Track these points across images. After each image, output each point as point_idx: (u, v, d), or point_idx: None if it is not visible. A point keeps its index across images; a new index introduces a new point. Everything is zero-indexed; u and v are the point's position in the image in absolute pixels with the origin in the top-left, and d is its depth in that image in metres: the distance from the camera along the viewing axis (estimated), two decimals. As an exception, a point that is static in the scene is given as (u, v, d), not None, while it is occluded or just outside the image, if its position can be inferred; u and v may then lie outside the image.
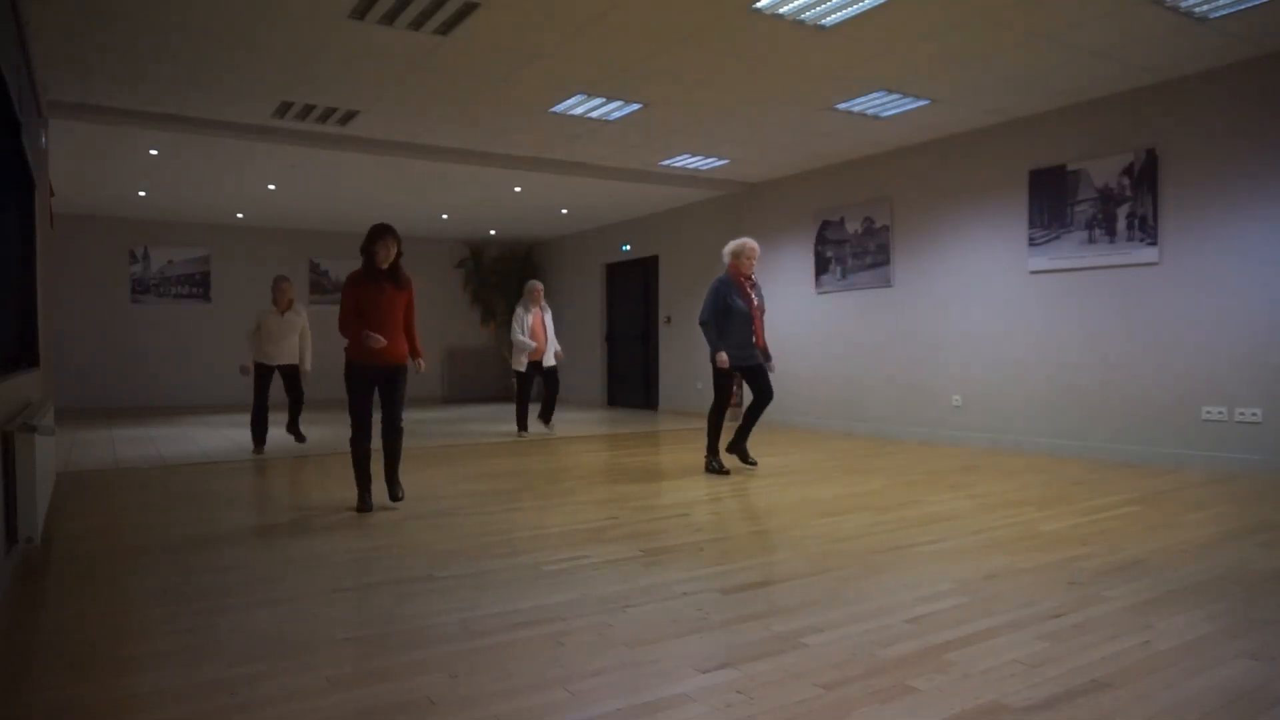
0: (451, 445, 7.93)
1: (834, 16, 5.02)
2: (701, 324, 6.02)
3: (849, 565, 3.51)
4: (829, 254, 9.09)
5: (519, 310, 8.76)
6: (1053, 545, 3.83)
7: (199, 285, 12.48)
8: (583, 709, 2.13)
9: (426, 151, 8.11)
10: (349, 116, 7.05)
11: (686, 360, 11.37)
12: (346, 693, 2.23)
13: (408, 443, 7.97)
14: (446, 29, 5.17)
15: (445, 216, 12.14)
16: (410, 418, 10.49)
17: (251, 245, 12.81)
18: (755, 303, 6.00)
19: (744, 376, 6.07)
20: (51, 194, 7.82)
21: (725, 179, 9.83)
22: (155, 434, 8.94)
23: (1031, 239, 7.12)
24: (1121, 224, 6.50)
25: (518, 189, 10.04)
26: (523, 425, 8.83)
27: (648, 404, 12.29)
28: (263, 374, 7.41)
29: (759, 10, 4.92)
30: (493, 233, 13.81)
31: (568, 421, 10.36)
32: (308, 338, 7.58)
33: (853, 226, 8.81)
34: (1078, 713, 2.08)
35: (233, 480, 5.91)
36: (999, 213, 7.40)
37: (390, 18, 5.00)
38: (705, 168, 9.19)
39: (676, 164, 9.01)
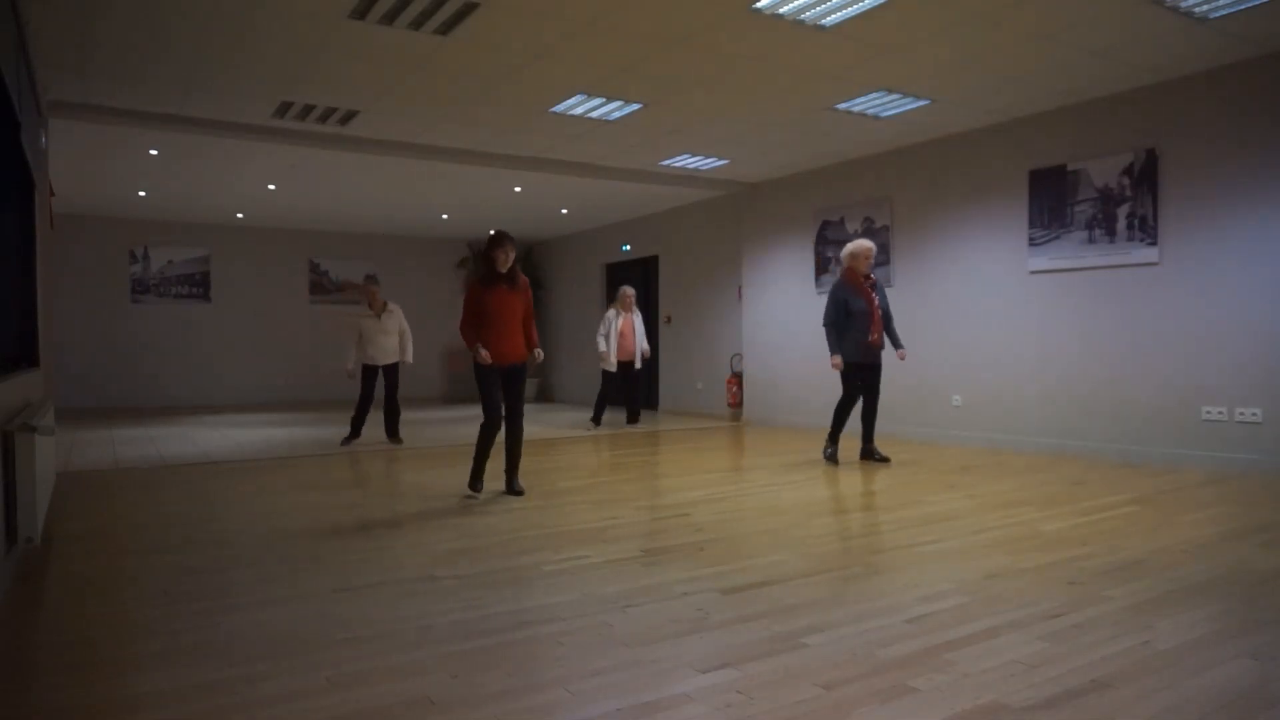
0: (451, 445, 7.93)
1: (834, 16, 5.02)
2: (824, 326, 6.37)
3: (849, 565, 3.51)
4: (829, 254, 9.09)
5: (609, 315, 9.37)
6: (1053, 545, 3.82)
7: (199, 285, 12.48)
8: (583, 709, 2.13)
9: (426, 151, 8.11)
10: (349, 116, 7.05)
11: (686, 360, 11.37)
12: (346, 693, 2.23)
13: (413, 442, 7.99)
14: (446, 29, 5.17)
15: (445, 216, 12.14)
16: (410, 418, 10.49)
17: (251, 245, 12.81)
18: (875, 302, 6.26)
19: (858, 375, 6.37)
20: (51, 194, 7.82)
21: (725, 179, 9.83)
22: (155, 434, 8.94)
23: (1031, 239, 7.12)
24: (1121, 224, 6.50)
25: (518, 189, 10.04)
26: (598, 419, 9.46)
27: (648, 404, 12.28)
28: (370, 374, 7.84)
29: (759, 10, 4.92)
30: (493, 233, 13.79)
31: (567, 422, 10.36)
32: (408, 335, 7.99)
33: (853, 226, 8.80)
34: (1078, 713, 2.08)
35: (233, 480, 5.91)
36: (999, 213, 7.40)
37: (390, 18, 5.00)
38: (705, 168, 9.19)
39: (676, 164, 9.01)
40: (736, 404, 10.46)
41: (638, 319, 9.45)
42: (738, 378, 10.45)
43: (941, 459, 6.77)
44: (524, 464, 6.71)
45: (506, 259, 5.05)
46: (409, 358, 7.96)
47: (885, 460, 6.44)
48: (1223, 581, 3.21)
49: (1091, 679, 2.28)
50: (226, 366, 12.65)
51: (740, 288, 10.38)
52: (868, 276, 6.34)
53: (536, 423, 10.21)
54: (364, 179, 9.40)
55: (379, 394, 7.97)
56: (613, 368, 9.27)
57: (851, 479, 5.78)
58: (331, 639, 2.65)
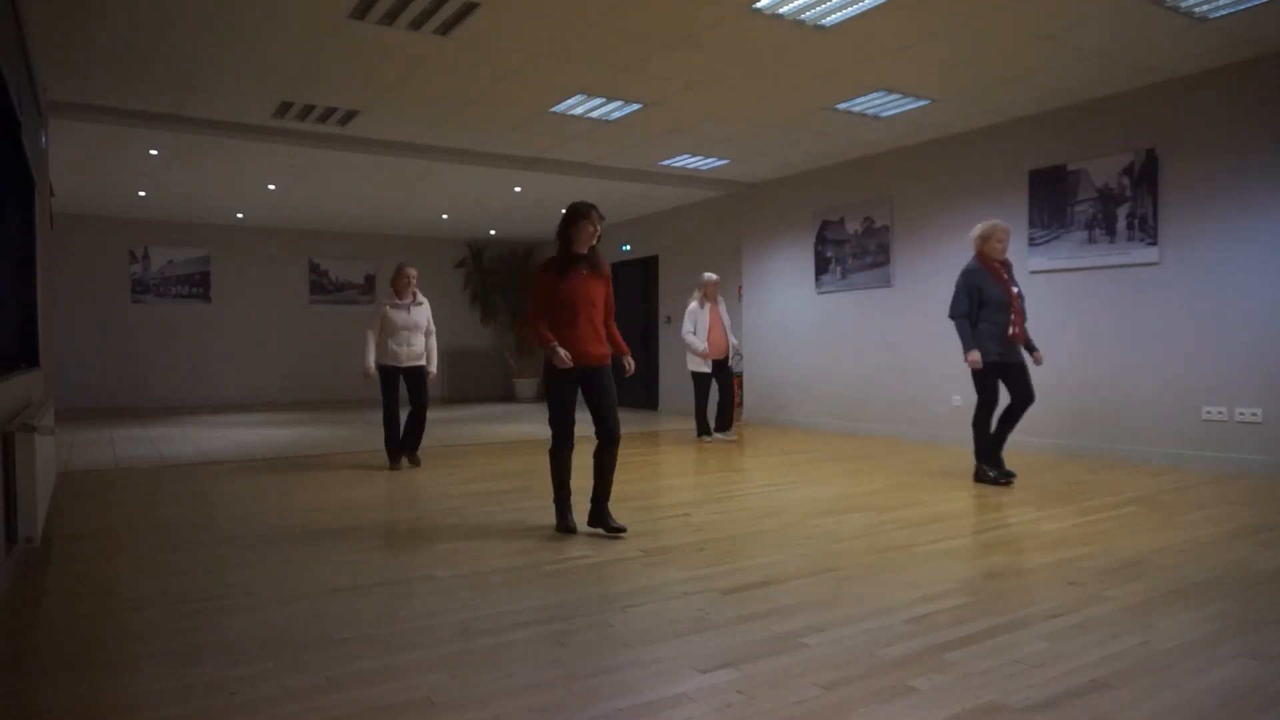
0: (451, 445, 7.92)
1: (834, 16, 5.02)
2: (952, 319, 5.47)
3: (849, 565, 3.51)
4: (829, 254, 9.09)
5: (693, 306, 8.10)
6: (1053, 545, 3.82)
7: (199, 285, 12.48)
8: (583, 709, 2.13)
9: (426, 151, 8.11)
10: (349, 116, 7.05)
11: (686, 360, 11.36)
12: (346, 693, 2.23)
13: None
14: (446, 29, 5.17)
15: (445, 216, 12.14)
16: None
17: (251, 245, 12.81)
18: (1015, 290, 5.45)
19: (1001, 375, 5.46)
20: (51, 194, 7.82)
21: (725, 179, 9.83)
22: (155, 434, 8.94)
23: (1031, 239, 7.11)
24: (1121, 224, 6.50)
25: (518, 189, 10.04)
26: (705, 429, 8.16)
27: (648, 404, 12.29)
28: (390, 378, 6.36)
29: (759, 10, 4.92)
30: (493, 233, 13.81)
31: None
32: (433, 335, 6.55)
33: (853, 226, 8.81)
34: (1078, 713, 2.08)
35: (233, 480, 5.91)
36: (999, 213, 7.38)
37: (390, 18, 5.00)
38: (705, 168, 9.19)
39: (676, 164, 9.01)
40: (737, 404, 10.46)
41: (723, 308, 8.22)
42: (738, 378, 10.45)
43: (941, 459, 6.76)
44: (524, 464, 6.71)
45: (594, 233, 4.09)
46: (434, 368, 6.53)
47: (1012, 476, 5.47)
48: (1223, 581, 3.21)
49: (1091, 679, 2.28)
50: (226, 366, 12.65)
51: (740, 287, 10.38)
52: (1002, 261, 5.49)
53: (535, 422, 10.21)
54: (364, 179, 9.40)
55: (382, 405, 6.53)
56: (707, 368, 8.01)
57: (850, 479, 5.77)
58: (331, 639, 2.65)
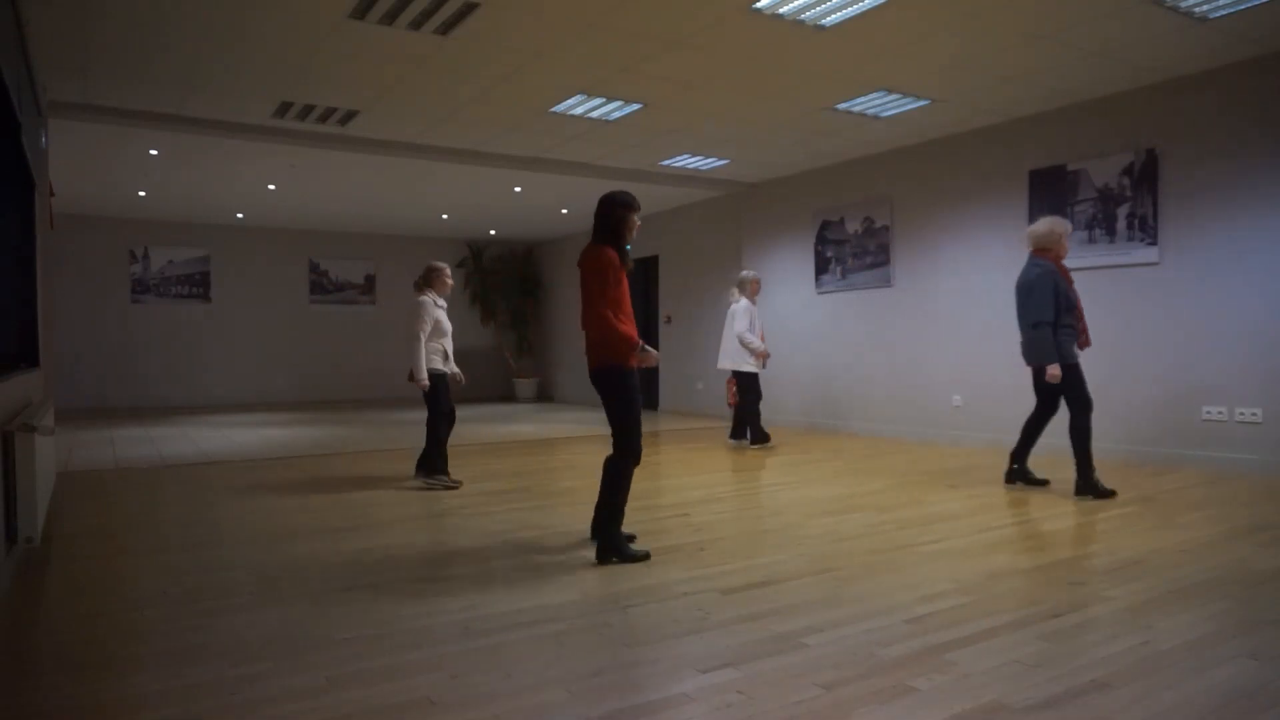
0: (451, 446, 7.92)
1: (834, 16, 5.02)
2: (1036, 326, 5.02)
3: (849, 565, 3.51)
4: (829, 254, 9.09)
5: (744, 303, 7.65)
6: (1053, 545, 3.83)
7: (199, 285, 12.48)
8: (583, 709, 2.13)
9: (426, 151, 8.11)
10: (349, 116, 7.05)
11: (687, 360, 11.37)
12: (346, 693, 2.23)
13: (414, 443, 7.95)
14: (446, 29, 5.17)
15: (445, 216, 12.14)
16: (411, 418, 10.49)
17: (251, 245, 12.81)
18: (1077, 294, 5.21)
19: (1034, 377, 5.25)
20: (51, 194, 7.82)
21: (725, 179, 9.83)
22: (155, 434, 8.94)
23: (1031, 239, 7.11)
24: (1121, 224, 6.50)
25: (518, 189, 10.04)
26: (763, 433, 7.72)
27: (648, 404, 12.29)
28: (439, 384, 5.67)
29: (759, 10, 4.92)
30: (493, 233, 13.81)
31: (567, 421, 10.36)
32: None
33: (853, 226, 8.81)
34: (1078, 713, 2.08)
35: (232, 480, 5.91)
36: (999, 213, 7.39)
37: (390, 18, 5.00)
38: (705, 168, 9.18)
39: (676, 164, 9.00)
40: (737, 404, 10.44)
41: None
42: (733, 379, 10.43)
43: (941, 459, 6.77)
44: (524, 464, 6.72)
45: (638, 225, 3.83)
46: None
47: (1043, 483, 5.40)
48: (1222, 581, 3.21)
49: (1091, 679, 2.28)
50: (226, 366, 12.65)
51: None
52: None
53: (534, 422, 10.21)
54: (364, 179, 9.40)
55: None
56: (762, 367, 7.67)
57: (850, 479, 5.77)
58: (331, 639, 2.65)
